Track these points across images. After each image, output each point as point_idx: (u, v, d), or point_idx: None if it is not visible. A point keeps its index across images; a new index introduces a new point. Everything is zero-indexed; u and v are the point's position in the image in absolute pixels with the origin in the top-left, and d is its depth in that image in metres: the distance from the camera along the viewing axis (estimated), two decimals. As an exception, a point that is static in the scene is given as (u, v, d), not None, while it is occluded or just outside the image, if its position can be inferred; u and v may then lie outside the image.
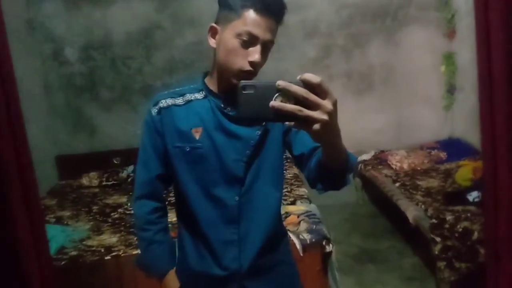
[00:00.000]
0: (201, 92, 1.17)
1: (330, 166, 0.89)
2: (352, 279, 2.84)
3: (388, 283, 2.80)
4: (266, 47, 1.06)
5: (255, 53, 1.04)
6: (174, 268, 1.28)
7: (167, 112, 1.16)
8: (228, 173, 1.13)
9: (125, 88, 3.88)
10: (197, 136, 1.13)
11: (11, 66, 0.76)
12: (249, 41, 1.03)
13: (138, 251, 2.25)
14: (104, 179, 3.59)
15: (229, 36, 1.05)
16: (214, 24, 1.11)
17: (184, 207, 1.21)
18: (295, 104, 0.69)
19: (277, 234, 1.24)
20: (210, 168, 1.13)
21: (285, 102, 0.69)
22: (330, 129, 0.72)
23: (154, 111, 1.17)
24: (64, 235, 2.53)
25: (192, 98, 1.17)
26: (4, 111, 0.74)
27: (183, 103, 1.16)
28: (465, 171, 3.16)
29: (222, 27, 1.08)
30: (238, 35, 1.03)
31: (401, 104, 4.12)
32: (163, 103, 1.17)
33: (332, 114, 0.70)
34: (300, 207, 2.61)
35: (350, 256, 3.14)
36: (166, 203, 1.32)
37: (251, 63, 1.04)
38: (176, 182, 1.20)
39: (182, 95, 1.18)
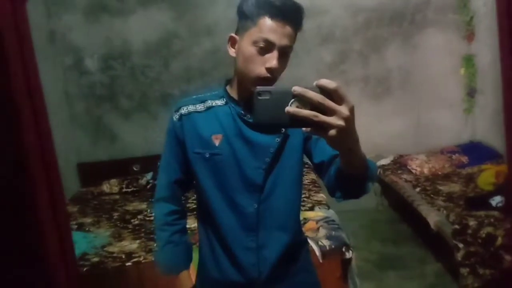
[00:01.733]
0: (222, 99, 1.19)
1: (348, 174, 0.89)
2: (372, 286, 2.80)
3: (410, 290, 2.76)
4: (284, 53, 1.07)
5: (272, 59, 1.04)
6: (189, 269, 1.31)
7: (188, 118, 1.18)
8: (247, 180, 1.14)
9: (144, 97, 3.94)
10: (217, 143, 1.14)
11: (38, 79, 0.79)
12: (266, 47, 1.04)
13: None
14: (124, 186, 3.64)
15: (246, 44, 1.06)
16: (233, 34, 1.13)
17: (204, 213, 1.22)
18: (311, 110, 0.69)
19: (297, 242, 1.24)
20: (230, 174, 1.14)
21: (301, 108, 0.69)
22: (347, 135, 0.71)
23: (176, 117, 1.19)
24: (85, 241, 2.58)
25: (213, 105, 1.18)
26: (32, 120, 0.77)
27: (204, 109, 1.18)
28: (488, 175, 3.09)
29: (240, 36, 1.10)
30: (255, 43, 1.04)
31: (420, 108, 4.07)
32: (184, 109, 1.19)
33: (349, 120, 0.70)
34: (318, 213, 2.59)
35: (370, 263, 3.10)
36: (185, 207, 1.35)
37: (269, 70, 1.05)
38: (197, 187, 1.22)
39: (204, 101, 1.20)
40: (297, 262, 1.24)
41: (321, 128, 0.70)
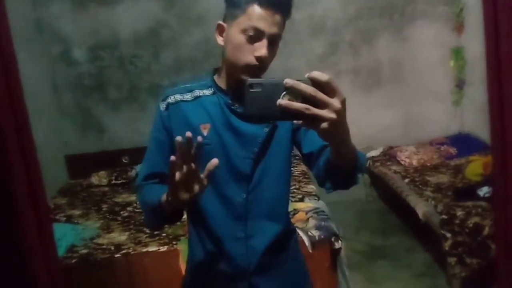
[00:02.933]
0: (210, 89, 1.17)
1: (338, 165, 0.89)
2: (361, 276, 2.83)
3: (399, 279, 2.79)
4: (273, 42, 1.06)
5: (261, 48, 1.03)
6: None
7: (175, 108, 1.16)
8: (236, 170, 1.13)
9: (133, 87, 3.90)
10: (205, 133, 1.12)
11: (16, 66, 0.76)
12: (255, 36, 1.03)
13: (148, 249, 2.28)
14: (113, 178, 3.61)
15: (235, 32, 1.05)
16: (221, 22, 1.11)
17: (192, 204, 1.21)
18: (303, 102, 0.69)
19: (285, 231, 1.24)
20: (218, 165, 1.13)
21: (293, 101, 0.69)
22: (338, 127, 0.71)
23: (162, 106, 1.17)
24: (74, 233, 2.56)
25: (201, 94, 1.17)
26: (10, 111, 0.75)
27: (191, 98, 1.16)
28: (476, 166, 3.13)
29: (228, 25, 1.08)
30: (244, 31, 1.03)
31: (409, 100, 4.09)
32: (171, 98, 1.17)
33: (341, 112, 0.70)
34: (308, 204, 2.60)
35: (359, 253, 3.13)
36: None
37: (258, 58, 1.04)
38: None
39: (191, 91, 1.18)
40: (286, 251, 1.24)
41: (313, 120, 0.70)
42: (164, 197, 1.03)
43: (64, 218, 2.90)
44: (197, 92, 1.17)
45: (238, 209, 1.15)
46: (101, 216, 2.89)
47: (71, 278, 2.21)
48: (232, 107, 1.13)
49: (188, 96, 1.17)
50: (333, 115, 0.69)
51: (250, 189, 1.15)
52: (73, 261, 2.23)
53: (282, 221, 1.22)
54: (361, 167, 0.92)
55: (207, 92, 1.17)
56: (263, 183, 1.15)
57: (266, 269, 1.19)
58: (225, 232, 1.16)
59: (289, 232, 1.28)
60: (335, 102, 0.69)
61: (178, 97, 1.17)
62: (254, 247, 1.16)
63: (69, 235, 2.53)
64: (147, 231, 2.48)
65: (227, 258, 1.17)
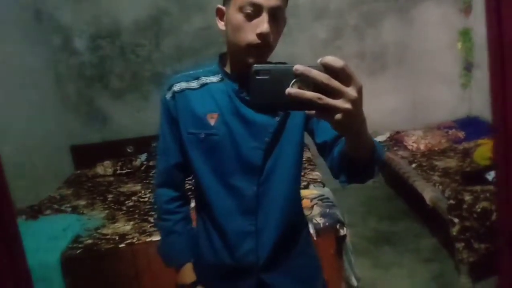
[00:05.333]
0: (217, 75, 1.11)
1: (354, 157, 0.82)
2: (368, 262, 2.81)
3: (405, 264, 2.77)
4: (275, 16, 0.98)
5: (262, 24, 0.96)
6: (191, 261, 1.23)
7: (181, 97, 1.11)
8: (246, 162, 1.08)
9: (134, 77, 3.87)
10: (212, 122, 1.07)
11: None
12: (253, 12, 0.96)
13: (152, 238, 2.27)
14: (118, 167, 3.61)
15: (233, 12, 0.99)
16: (220, 6, 1.06)
17: (200, 196, 1.17)
18: (315, 91, 0.61)
19: (296, 224, 1.19)
20: (227, 156, 1.08)
21: (303, 89, 0.62)
22: (353, 118, 0.64)
23: (168, 95, 1.13)
24: (79, 224, 2.56)
25: (208, 82, 1.11)
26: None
27: (197, 86, 1.11)
28: (484, 150, 3.07)
29: (227, 6, 1.03)
30: (241, 9, 0.97)
31: (416, 84, 4.01)
32: (177, 86, 1.12)
33: (357, 102, 0.62)
34: (313, 191, 2.57)
35: (366, 239, 3.11)
36: (187, 193, 1.28)
37: (260, 36, 0.97)
38: (192, 169, 1.15)
39: (197, 78, 1.12)
40: (296, 245, 1.19)
41: (326, 111, 0.63)
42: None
43: (70, 209, 2.91)
44: (204, 79, 1.12)
45: (248, 202, 1.10)
46: (106, 206, 2.89)
47: (77, 268, 2.22)
48: (241, 95, 1.07)
49: (194, 84, 1.11)
50: (348, 105, 0.62)
51: (261, 181, 1.09)
52: (78, 251, 2.23)
53: (293, 214, 1.17)
54: (378, 159, 0.84)
55: (214, 79, 1.11)
56: (274, 175, 1.10)
57: (276, 265, 1.14)
58: (234, 225, 1.11)
59: (300, 226, 1.23)
60: (351, 91, 0.62)
61: (183, 85, 1.12)
62: (263, 241, 1.11)
63: (74, 225, 2.54)
64: (152, 220, 2.47)
65: (235, 253, 1.12)
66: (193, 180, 1.19)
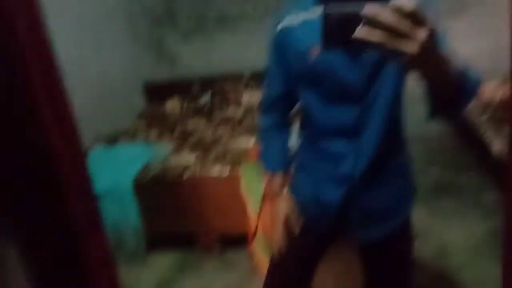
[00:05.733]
0: (314, 11, 1.14)
1: (437, 93, 0.82)
2: (425, 211, 2.78)
3: (463, 217, 2.72)
4: None
5: None
6: (282, 171, 1.39)
7: (285, 33, 1.19)
8: (348, 90, 1.13)
9: (200, 18, 3.90)
10: (315, 55, 1.12)
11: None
12: None
13: (211, 174, 2.46)
14: (185, 104, 3.80)
15: None
16: None
17: (305, 118, 1.29)
18: (385, 33, 0.63)
19: (393, 147, 1.24)
20: (329, 87, 1.15)
21: (373, 31, 0.64)
22: (423, 62, 0.65)
23: (276, 32, 1.22)
24: (150, 152, 2.81)
25: (307, 18, 1.15)
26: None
27: (299, 23, 1.17)
28: None
29: None
30: None
31: (499, 28, 3.64)
32: (282, 24, 1.20)
33: (426, 46, 0.63)
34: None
35: (426, 188, 3.05)
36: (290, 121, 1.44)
37: None
38: (299, 97, 1.27)
39: (299, 15, 1.18)
40: (393, 163, 1.24)
41: (394, 53, 0.65)
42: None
43: (142, 139, 3.17)
44: (304, 15, 1.16)
45: (350, 126, 1.17)
46: (173, 139, 3.11)
47: (145, 195, 2.48)
48: None
49: (296, 21, 1.17)
50: (415, 48, 0.63)
51: (362, 110, 1.15)
52: (146, 180, 2.48)
53: (394, 135, 1.22)
54: (467, 97, 0.82)
55: (313, 15, 1.14)
56: (376, 103, 1.14)
57: (371, 180, 1.21)
58: (335, 145, 1.21)
59: (398, 148, 1.27)
60: (421, 34, 0.62)
61: (287, 22, 1.19)
62: (362, 151, 1.18)
63: (145, 154, 2.79)
64: (213, 154, 2.65)
65: (333, 160, 1.22)
66: (300, 104, 1.32)
